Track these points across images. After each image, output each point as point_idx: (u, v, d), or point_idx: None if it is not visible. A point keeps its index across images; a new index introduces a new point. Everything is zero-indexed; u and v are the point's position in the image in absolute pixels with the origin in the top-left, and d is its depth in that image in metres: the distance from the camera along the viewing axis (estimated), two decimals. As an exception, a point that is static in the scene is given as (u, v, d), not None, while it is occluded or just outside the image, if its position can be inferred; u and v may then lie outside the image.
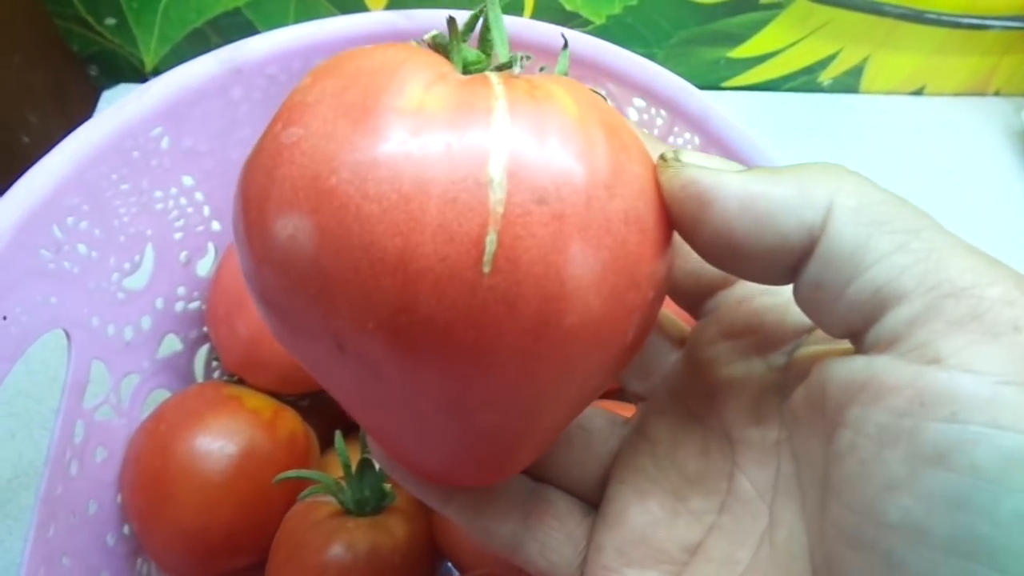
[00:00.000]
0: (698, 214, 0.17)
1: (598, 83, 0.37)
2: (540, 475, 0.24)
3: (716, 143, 0.33)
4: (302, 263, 0.16)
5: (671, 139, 0.36)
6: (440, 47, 0.19)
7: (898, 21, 0.64)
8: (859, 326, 0.16)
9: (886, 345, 0.15)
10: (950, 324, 0.14)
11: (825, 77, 0.69)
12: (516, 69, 0.19)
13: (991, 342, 0.14)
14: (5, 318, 0.28)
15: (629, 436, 0.23)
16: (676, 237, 0.19)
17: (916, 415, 0.14)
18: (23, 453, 0.46)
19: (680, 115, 0.35)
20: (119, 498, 0.36)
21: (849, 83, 0.70)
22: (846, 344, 0.17)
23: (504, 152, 0.15)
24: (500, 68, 0.19)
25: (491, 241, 0.15)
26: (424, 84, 0.17)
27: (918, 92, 0.71)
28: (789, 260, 0.17)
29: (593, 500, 0.24)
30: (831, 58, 0.68)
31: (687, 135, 0.35)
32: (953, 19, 0.63)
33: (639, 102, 0.36)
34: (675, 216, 0.18)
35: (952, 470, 0.14)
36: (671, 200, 0.18)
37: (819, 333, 0.19)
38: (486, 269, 0.15)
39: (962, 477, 0.13)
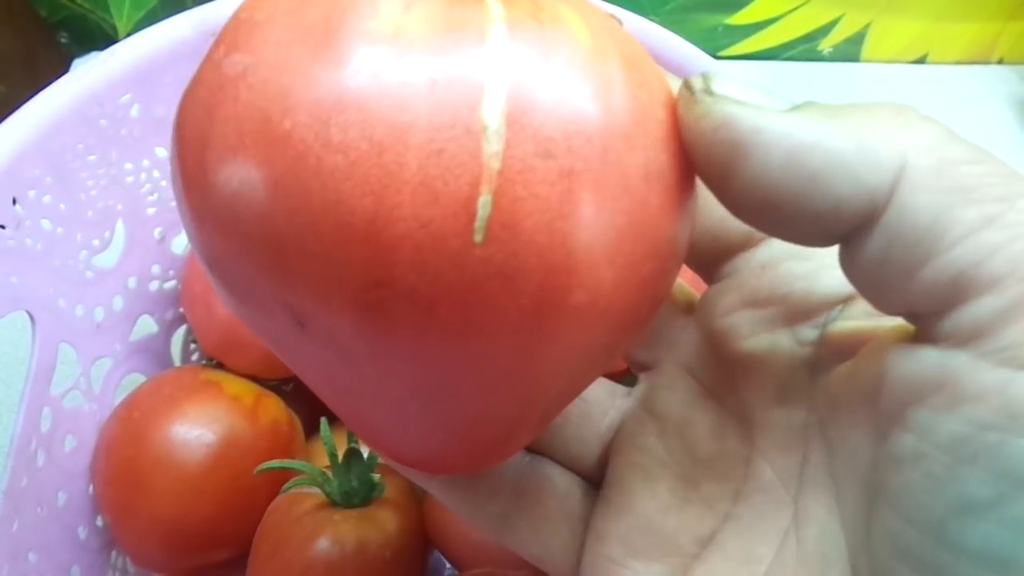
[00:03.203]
0: (732, 164, 0.14)
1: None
2: (534, 448, 0.22)
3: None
4: (250, 224, 0.13)
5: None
6: None
7: (902, -14, 0.62)
8: (930, 311, 0.14)
9: (966, 339, 0.13)
10: None
11: (825, 45, 0.67)
12: None
13: None
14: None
15: (633, 410, 0.21)
16: (699, 188, 0.16)
17: (1004, 429, 0.12)
18: (-8, 438, 0.44)
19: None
20: (91, 489, 0.34)
21: (850, 51, 0.68)
22: (899, 322, 0.15)
23: (502, 91, 0.12)
24: None
25: (484, 204, 0.12)
26: (402, 1, 0.13)
27: (920, 60, 0.69)
28: (843, 228, 0.14)
29: (592, 478, 0.22)
30: (832, 24, 0.65)
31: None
32: (958, -16, 0.61)
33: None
34: (701, 164, 0.15)
35: None
36: (697, 144, 0.14)
37: (859, 304, 0.17)
38: (478, 238, 0.12)
39: None
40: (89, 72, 0.30)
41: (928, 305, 0.13)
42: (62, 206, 0.31)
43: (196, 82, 0.14)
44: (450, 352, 0.14)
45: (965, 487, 0.12)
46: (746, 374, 0.18)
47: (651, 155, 0.14)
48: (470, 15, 0.13)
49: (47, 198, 0.30)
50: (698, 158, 0.14)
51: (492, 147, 0.12)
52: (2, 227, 0.28)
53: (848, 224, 0.14)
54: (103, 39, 0.64)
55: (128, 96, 0.31)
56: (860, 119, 0.13)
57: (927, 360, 0.13)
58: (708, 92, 0.14)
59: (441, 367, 0.14)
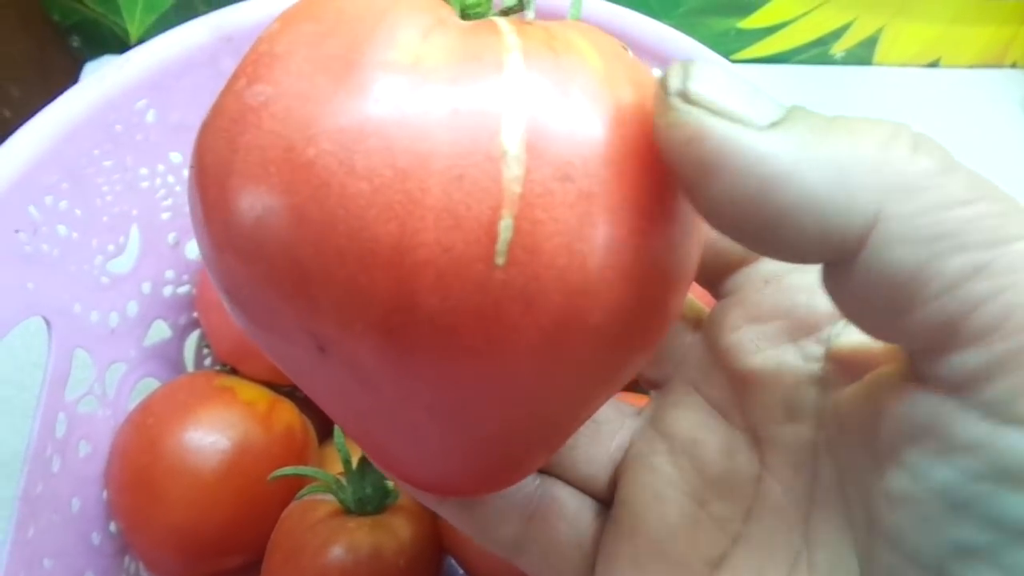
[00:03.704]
0: (700, 182, 0.13)
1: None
2: (545, 470, 0.22)
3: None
4: (274, 252, 0.13)
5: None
6: None
7: (915, -10, 0.61)
8: (919, 351, 0.13)
9: (955, 388, 0.12)
10: None
11: (837, 49, 0.67)
12: (529, 14, 0.15)
13: None
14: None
15: (642, 429, 0.21)
16: None
17: (995, 481, 0.12)
18: (6, 442, 0.44)
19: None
20: (104, 494, 0.34)
21: (862, 55, 0.68)
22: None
23: (521, 117, 0.13)
24: (507, 12, 0.16)
25: (506, 227, 0.13)
26: (420, 32, 0.14)
27: (933, 64, 0.69)
28: (815, 262, 0.13)
29: (604, 499, 0.21)
30: (844, 28, 0.65)
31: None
32: (972, -12, 0.61)
33: (656, 72, 0.34)
34: (672, 170, 0.14)
35: None
36: (667, 152, 0.13)
37: None
38: (500, 261, 0.13)
39: None
40: (105, 78, 0.30)
41: (914, 346, 0.13)
42: (78, 211, 0.31)
43: (216, 113, 0.14)
44: (471, 374, 0.14)
45: (960, 533, 0.12)
46: (753, 391, 0.18)
47: (666, 177, 0.14)
48: (487, 44, 0.13)
49: (63, 204, 0.30)
50: (670, 166, 0.14)
51: (512, 172, 0.13)
52: (19, 233, 0.28)
53: (819, 260, 0.13)
54: (115, 43, 0.64)
55: (144, 101, 0.31)
56: (845, 145, 0.13)
57: (919, 404, 0.13)
58: (684, 96, 0.13)
59: (461, 389, 0.14)
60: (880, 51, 0.67)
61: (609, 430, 0.21)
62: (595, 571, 0.20)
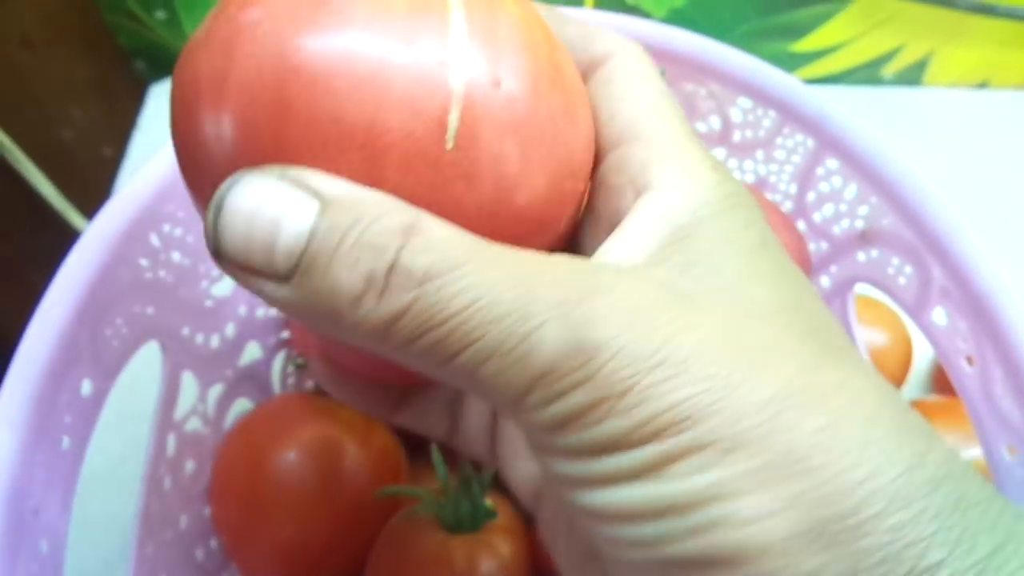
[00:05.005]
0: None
1: (700, 83, 0.35)
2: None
3: (834, 146, 0.32)
4: (264, 141, 0.15)
5: (779, 140, 0.35)
6: None
7: (967, 14, 0.62)
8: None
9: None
10: None
11: (888, 71, 0.68)
12: None
13: None
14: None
15: None
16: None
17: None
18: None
19: (792, 116, 0.33)
20: (207, 511, 0.35)
21: (912, 76, 0.68)
22: None
23: (463, 34, 0.16)
24: None
25: (454, 118, 0.16)
26: None
27: (982, 85, 0.69)
28: None
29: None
30: (895, 52, 0.66)
31: (799, 137, 0.34)
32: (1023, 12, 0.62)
33: (744, 102, 0.35)
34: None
35: None
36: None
37: None
38: (449, 145, 0.16)
39: None
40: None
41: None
42: (190, 238, 0.32)
43: (208, 34, 0.17)
44: None
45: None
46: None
47: (568, 98, 0.18)
48: None
49: (178, 231, 0.31)
50: None
51: (458, 75, 0.16)
52: (143, 260, 0.29)
53: None
54: (179, 67, 0.65)
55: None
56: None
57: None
58: (215, 254, 0.15)
59: None
60: (930, 73, 0.68)
61: None
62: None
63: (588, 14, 0.36)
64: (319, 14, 0.15)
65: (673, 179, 0.17)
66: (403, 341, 0.14)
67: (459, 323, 0.14)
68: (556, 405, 0.14)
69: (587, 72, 0.20)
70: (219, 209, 0.15)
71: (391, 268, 0.14)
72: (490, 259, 0.14)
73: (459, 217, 0.16)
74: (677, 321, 0.14)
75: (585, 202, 0.20)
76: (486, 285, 0.14)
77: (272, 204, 0.14)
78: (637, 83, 0.19)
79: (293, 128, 0.15)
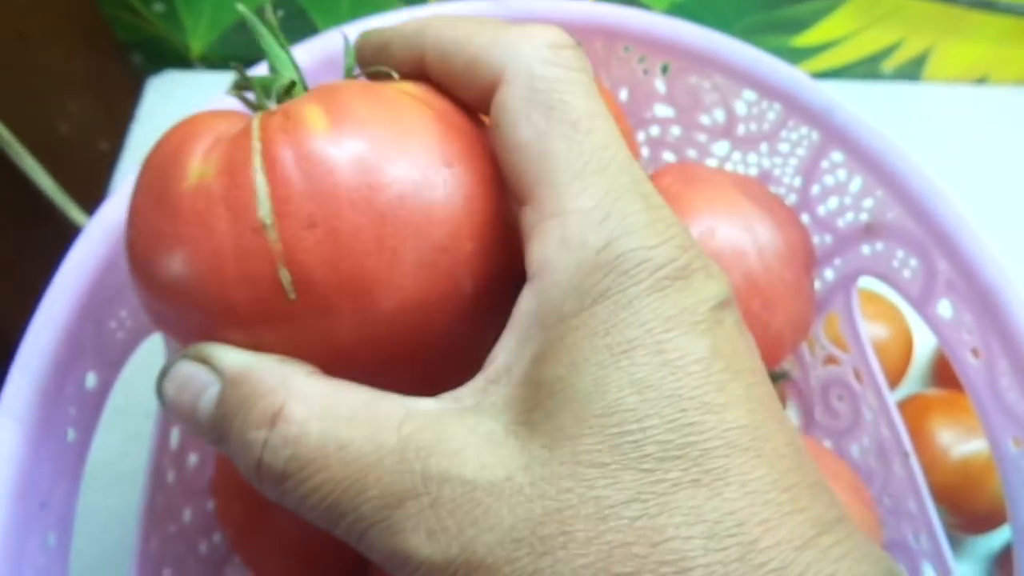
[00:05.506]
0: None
1: (704, 75, 0.35)
2: None
3: (840, 139, 0.32)
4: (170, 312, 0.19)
5: (784, 133, 0.35)
6: (243, 97, 0.21)
7: (966, 9, 0.62)
8: None
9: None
10: None
11: (887, 65, 0.68)
12: (270, 104, 0.20)
13: None
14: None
15: None
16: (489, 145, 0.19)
17: None
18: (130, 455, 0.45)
19: (797, 109, 0.33)
20: (210, 504, 0.35)
21: (911, 71, 0.68)
22: None
23: (265, 195, 0.17)
24: (288, 89, 0.21)
25: (284, 275, 0.17)
26: (202, 155, 0.18)
27: (981, 80, 0.69)
28: None
29: None
30: (894, 47, 0.66)
31: (804, 129, 0.34)
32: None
33: (749, 95, 0.35)
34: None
35: None
36: None
37: None
38: (292, 296, 0.17)
39: None
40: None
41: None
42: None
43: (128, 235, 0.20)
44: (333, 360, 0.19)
45: None
46: None
47: (403, 187, 0.18)
48: (241, 146, 0.18)
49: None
50: None
51: (272, 235, 0.17)
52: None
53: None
54: (176, 59, 0.65)
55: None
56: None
57: None
58: (163, 403, 0.19)
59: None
60: (929, 67, 0.68)
61: None
62: None
63: (588, 6, 0.35)
64: (158, 216, 0.18)
65: (549, 260, 0.17)
66: (292, 508, 0.18)
67: (320, 511, 0.17)
68: None
69: (486, 103, 0.19)
70: (161, 378, 0.19)
71: (258, 464, 0.17)
72: (334, 451, 0.16)
73: (344, 338, 0.18)
74: (479, 523, 0.16)
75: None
76: (330, 484, 0.16)
77: (192, 382, 0.18)
78: (522, 122, 0.18)
79: (179, 314, 0.19)
